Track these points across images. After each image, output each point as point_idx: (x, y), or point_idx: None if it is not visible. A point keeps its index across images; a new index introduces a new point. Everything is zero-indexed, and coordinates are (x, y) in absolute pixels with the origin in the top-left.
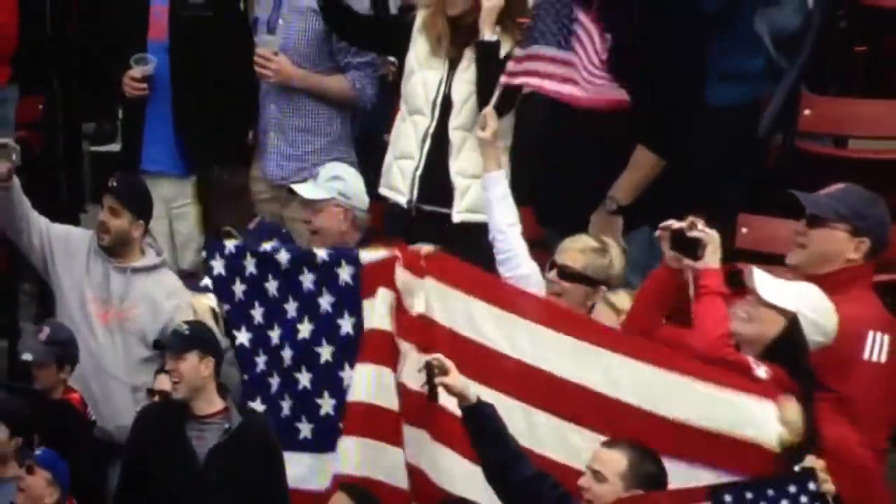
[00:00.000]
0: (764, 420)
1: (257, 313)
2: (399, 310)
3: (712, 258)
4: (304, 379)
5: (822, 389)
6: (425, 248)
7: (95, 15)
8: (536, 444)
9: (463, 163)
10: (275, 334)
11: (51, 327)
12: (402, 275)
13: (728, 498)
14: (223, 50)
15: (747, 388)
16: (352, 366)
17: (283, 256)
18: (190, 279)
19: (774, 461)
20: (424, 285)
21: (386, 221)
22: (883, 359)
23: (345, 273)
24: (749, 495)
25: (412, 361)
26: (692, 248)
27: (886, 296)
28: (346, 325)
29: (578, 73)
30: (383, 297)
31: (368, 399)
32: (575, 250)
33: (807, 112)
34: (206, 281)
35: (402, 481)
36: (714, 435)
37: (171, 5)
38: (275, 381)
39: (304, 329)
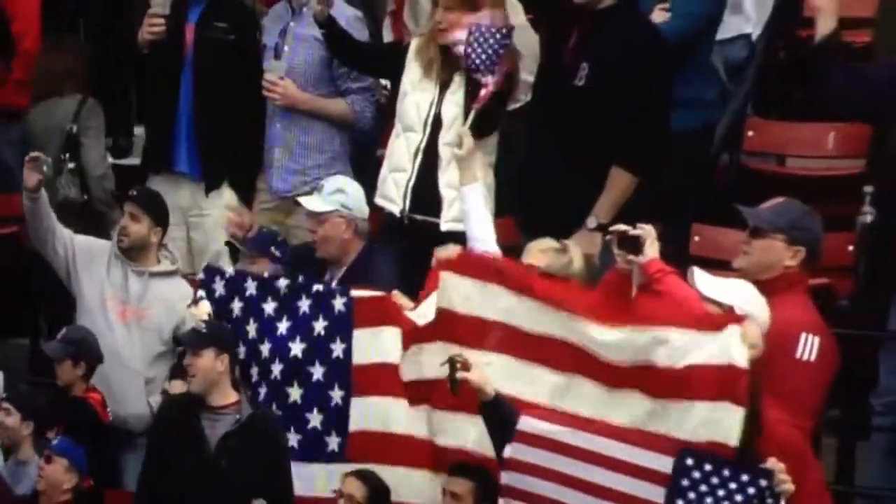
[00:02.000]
0: (730, 345)
1: (251, 329)
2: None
3: (651, 250)
4: (295, 394)
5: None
6: (450, 250)
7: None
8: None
9: (451, 176)
10: (265, 348)
11: (67, 327)
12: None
13: (690, 461)
14: (241, 73)
15: (707, 323)
16: (341, 386)
17: (282, 283)
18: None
19: (745, 383)
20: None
21: (382, 229)
22: (813, 358)
23: (339, 303)
24: (708, 466)
25: (431, 354)
26: (634, 245)
27: (818, 297)
28: (337, 349)
29: None
30: (393, 334)
31: (381, 428)
32: (538, 250)
33: (750, 133)
34: (201, 293)
35: (412, 497)
36: (689, 370)
37: (197, 26)
38: (262, 391)
39: (297, 348)
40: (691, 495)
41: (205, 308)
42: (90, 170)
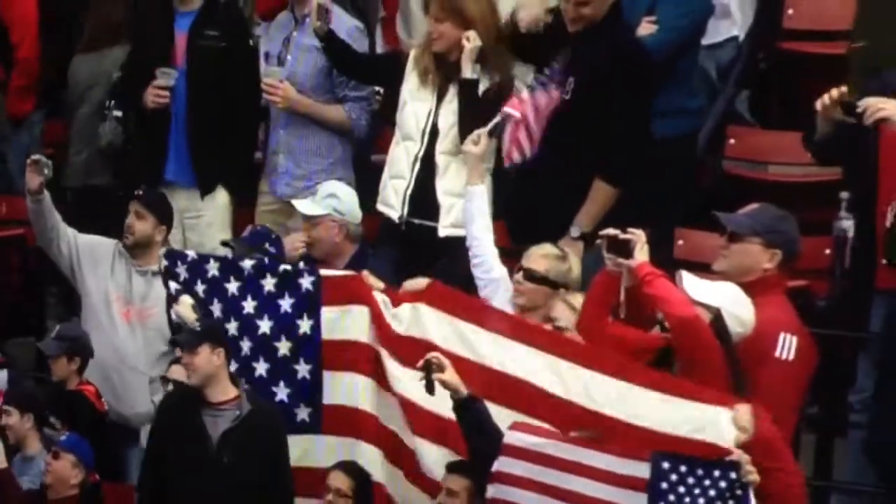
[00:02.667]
0: (720, 425)
1: (216, 309)
2: (380, 326)
3: (641, 254)
4: (261, 368)
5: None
6: (419, 283)
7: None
8: None
9: (448, 183)
10: (232, 326)
11: (61, 325)
12: (387, 301)
13: (666, 464)
14: (233, 78)
15: (705, 398)
16: (306, 361)
17: (247, 263)
18: None
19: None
20: (417, 310)
21: (381, 233)
22: (791, 357)
23: (306, 281)
24: (683, 468)
25: (399, 371)
26: (624, 249)
27: (797, 299)
28: (304, 325)
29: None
30: (359, 312)
31: (350, 403)
32: (539, 256)
33: (732, 141)
34: (173, 285)
35: (378, 475)
36: (675, 438)
37: (189, 35)
38: (233, 368)
39: (264, 325)
40: (671, 497)
41: (187, 301)
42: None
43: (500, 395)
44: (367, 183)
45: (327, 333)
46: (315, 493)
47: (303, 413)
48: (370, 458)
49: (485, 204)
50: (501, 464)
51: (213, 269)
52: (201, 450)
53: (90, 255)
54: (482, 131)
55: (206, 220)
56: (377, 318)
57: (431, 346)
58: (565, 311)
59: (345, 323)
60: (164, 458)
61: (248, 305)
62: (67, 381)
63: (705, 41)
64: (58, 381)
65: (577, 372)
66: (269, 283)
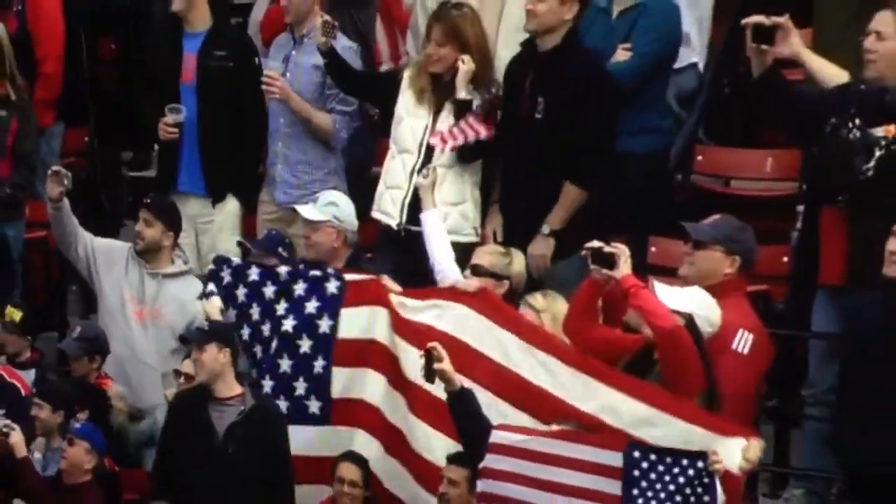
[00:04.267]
0: (730, 452)
1: (254, 311)
2: (397, 322)
3: (625, 266)
4: (285, 365)
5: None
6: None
7: (133, 60)
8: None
9: (444, 193)
10: (266, 328)
11: (81, 326)
12: (403, 302)
13: (637, 454)
14: (240, 96)
15: (718, 426)
16: (325, 358)
17: (283, 270)
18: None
19: (737, 489)
20: (447, 307)
21: (380, 239)
22: (746, 351)
23: (332, 285)
24: (653, 457)
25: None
26: (608, 261)
27: (757, 302)
28: (324, 325)
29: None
30: (381, 314)
31: (355, 396)
32: (485, 253)
33: (700, 158)
34: (211, 286)
35: (373, 466)
36: None
37: (199, 56)
38: (264, 366)
39: (288, 324)
40: (643, 483)
41: (216, 303)
42: None
43: (509, 393)
44: (367, 194)
45: (346, 332)
46: (313, 481)
47: (314, 406)
48: (367, 449)
49: (437, 226)
50: (489, 461)
51: (253, 274)
52: (208, 442)
53: (106, 258)
54: (431, 166)
55: (217, 225)
56: (394, 318)
57: (439, 336)
58: (529, 313)
59: (364, 322)
60: (175, 449)
61: (280, 308)
62: (88, 376)
63: None
64: (80, 376)
65: (601, 390)
66: (300, 288)
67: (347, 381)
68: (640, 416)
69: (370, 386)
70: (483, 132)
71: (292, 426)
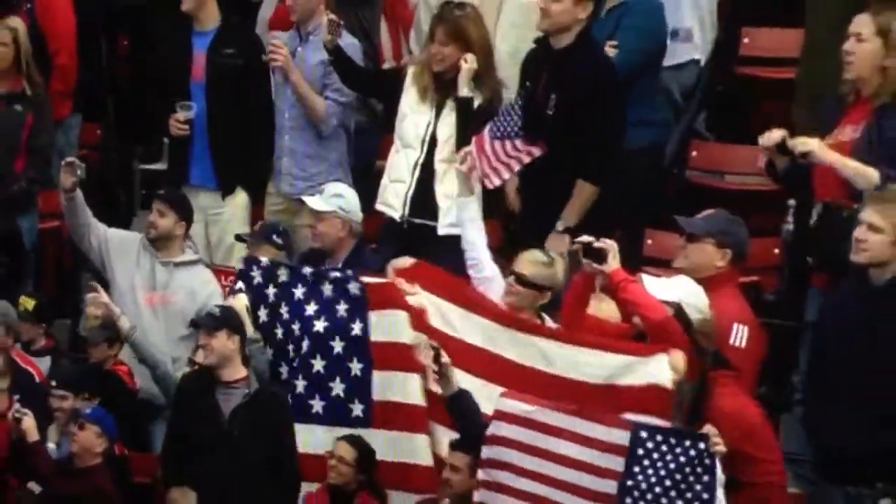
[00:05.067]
0: (659, 369)
1: (284, 311)
2: (419, 322)
3: (614, 261)
4: (319, 365)
5: (725, 367)
6: (405, 262)
7: (143, 57)
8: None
9: (446, 187)
10: (296, 327)
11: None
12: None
13: (644, 433)
14: (249, 92)
15: (641, 350)
16: (360, 360)
17: (307, 270)
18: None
19: (669, 399)
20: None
21: (383, 231)
22: (743, 344)
23: (353, 287)
24: (659, 437)
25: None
26: (599, 255)
27: (749, 293)
28: (356, 327)
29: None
30: (402, 317)
31: (401, 399)
32: (528, 262)
33: (694, 153)
34: (240, 284)
35: (427, 460)
36: (623, 387)
37: (208, 53)
38: (295, 364)
39: (320, 325)
40: (646, 462)
41: (242, 300)
42: None
43: (473, 367)
44: (372, 187)
45: (373, 335)
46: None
47: (357, 409)
48: (421, 445)
49: (475, 212)
50: (496, 427)
51: (283, 275)
52: (215, 424)
53: (118, 248)
54: (466, 150)
55: (226, 217)
56: (415, 319)
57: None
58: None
59: (387, 326)
60: (184, 432)
61: (310, 308)
62: (104, 362)
63: (669, 62)
64: (95, 362)
65: (532, 341)
66: (327, 289)
67: (388, 385)
68: (571, 360)
69: (416, 389)
70: (536, 151)
71: (330, 427)
